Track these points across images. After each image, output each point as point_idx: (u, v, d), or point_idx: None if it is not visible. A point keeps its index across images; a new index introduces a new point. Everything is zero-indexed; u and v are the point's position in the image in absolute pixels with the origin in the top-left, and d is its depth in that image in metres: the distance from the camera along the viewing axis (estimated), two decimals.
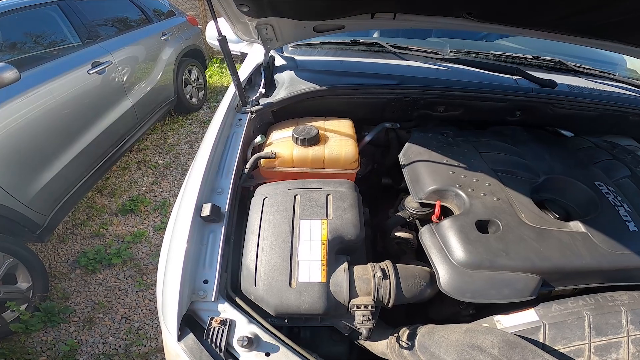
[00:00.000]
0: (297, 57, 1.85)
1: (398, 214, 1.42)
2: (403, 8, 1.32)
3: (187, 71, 4.55)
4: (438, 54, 1.81)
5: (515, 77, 1.75)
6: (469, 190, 1.19)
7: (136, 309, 2.41)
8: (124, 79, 3.36)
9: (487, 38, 2.63)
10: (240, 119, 1.50)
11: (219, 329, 0.88)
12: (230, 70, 1.40)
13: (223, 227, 1.09)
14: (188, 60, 4.58)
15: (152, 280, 2.57)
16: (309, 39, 1.81)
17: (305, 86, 1.57)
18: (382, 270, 1.02)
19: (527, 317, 0.92)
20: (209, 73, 5.96)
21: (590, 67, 2.03)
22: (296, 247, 1.01)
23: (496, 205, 1.12)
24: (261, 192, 1.23)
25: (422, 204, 1.31)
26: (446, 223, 1.07)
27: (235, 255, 1.10)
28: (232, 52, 2.52)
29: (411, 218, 1.40)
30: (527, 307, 0.94)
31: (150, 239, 2.89)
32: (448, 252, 1.00)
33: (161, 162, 3.85)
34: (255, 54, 2.04)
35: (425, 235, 1.09)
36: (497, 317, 0.95)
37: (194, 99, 4.81)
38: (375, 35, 2.24)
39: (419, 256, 1.31)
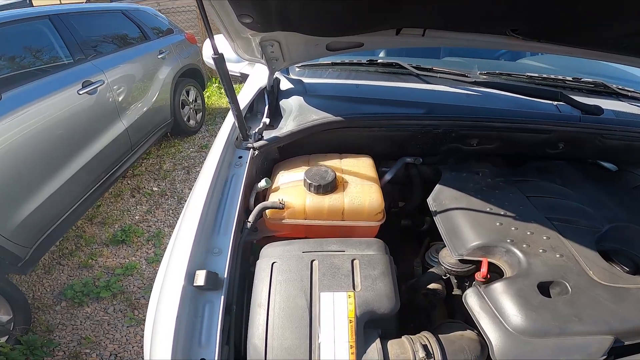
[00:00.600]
0: (306, 80, 1.62)
1: (432, 270, 1.22)
2: (437, 24, 1.12)
3: (184, 92, 4.36)
4: (467, 77, 1.59)
5: (556, 103, 1.53)
6: (524, 245, 1.02)
7: (126, 345, 2.22)
8: (117, 99, 3.16)
9: (505, 57, 2.43)
10: (240, 157, 1.27)
11: None
12: (228, 96, 1.16)
13: (222, 297, 0.89)
14: (186, 80, 4.39)
15: (144, 316, 2.38)
16: (320, 58, 1.58)
17: (317, 116, 1.34)
18: (424, 347, 0.87)
19: None
20: (207, 94, 5.76)
21: (633, 90, 1.81)
22: (316, 326, 0.85)
23: (560, 264, 0.98)
24: (268, 253, 1.01)
25: (462, 260, 1.11)
26: (499, 286, 0.92)
27: (237, 327, 0.95)
28: (230, 73, 2.28)
29: (447, 275, 1.20)
30: None
31: (142, 272, 2.70)
32: (503, 319, 0.87)
33: (156, 189, 3.62)
34: (257, 76, 1.81)
35: (472, 299, 0.94)
36: None
37: (191, 122, 4.60)
38: (382, 54, 2.03)
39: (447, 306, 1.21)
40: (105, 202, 3.40)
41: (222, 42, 2.39)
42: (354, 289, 0.91)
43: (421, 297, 1.24)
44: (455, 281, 1.21)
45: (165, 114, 3.95)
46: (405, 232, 1.60)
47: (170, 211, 3.32)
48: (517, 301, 0.88)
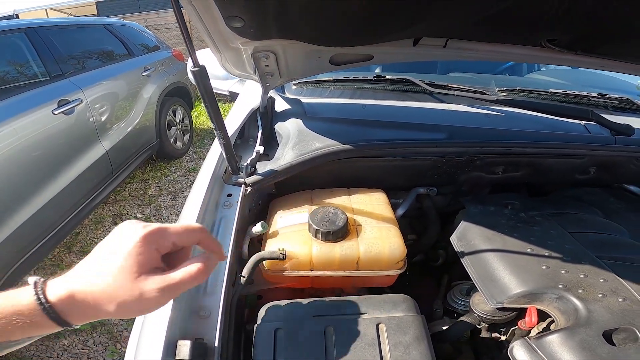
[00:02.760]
0: (305, 100, 1.44)
1: (463, 319, 1.06)
2: (463, 33, 0.97)
3: (171, 111, 4.14)
4: (486, 94, 1.43)
5: (584, 123, 1.38)
6: (580, 291, 0.90)
7: None
8: (97, 120, 2.94)
9: (512, 71, 2.31)
10: (229, 195, 1.07)
11: None
12: (213, 120, 0.94)
13: None
14: (172, 99, 4.18)
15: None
16: (321, 73, 1.40)
17: (320, 143, 1.15)
18: None
19: None
20: (195, 113, 5.56)
21: None
22: None
23: (625, 308, 0.87)
24: (270, 317, 0.83)
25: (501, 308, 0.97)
26: (556, 339, 0.80)
27: None
28: (217, 92, 2.07)
29: (481, 325, 1.05)
30: None
31: None
32: None
33: (140, 215, 3.40)
34: (248, 95, 1.63)
35: (520, 352, 0.82)
36: None
37: (178, 143, 4.37)
38: (377, 70, 1.87)
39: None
40: (85, 229, 3.17)
41: (206, 55, 2.19)
42: None
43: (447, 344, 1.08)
44: (486, 325, 1.04)
45: (150, 135, 3.73)
46: (418, 266, 1.43)
47: None
48: (582, 354, 0.77)
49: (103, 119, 3.02)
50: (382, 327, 0.81)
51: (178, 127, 4.34)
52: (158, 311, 0.76)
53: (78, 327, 0.48)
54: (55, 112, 2.53)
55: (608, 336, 0.82)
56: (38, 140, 2.37)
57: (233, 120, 1.44)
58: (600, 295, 0.89)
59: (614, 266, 0.96)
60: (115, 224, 3.19)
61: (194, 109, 5.01)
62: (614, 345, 0.80)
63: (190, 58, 0.80)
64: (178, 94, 4.35)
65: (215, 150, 1.24)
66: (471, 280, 1.05)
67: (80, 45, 3.21)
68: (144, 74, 3.71)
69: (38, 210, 2.31)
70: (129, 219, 2.93)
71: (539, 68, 2.36)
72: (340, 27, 0.87)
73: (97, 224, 3.22)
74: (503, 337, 1.02)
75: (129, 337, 2.22)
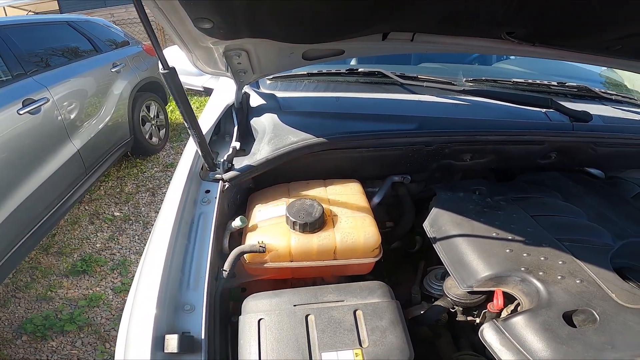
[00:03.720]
0: (279, 94, 1.45)
1: (438, 303, 1.12)
2: (429, 27, 1.02)
3: (144, 107, 4.04)
4: (454, 85, 1.48)
5: (545, 111, 1.45)
6: (540, 273, 0.96)
7: None
8: (66, 119, 2.85)
9: (478, 61, 2.38)
10: (208, 191, 1.08)
11: None
12: (186, 119, 0.95)
13: None
14: (145, 95, 4.07)
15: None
16: (295, 68, 1.41)
17: (295, 137, 1.18)
18: None
19: None
20: (170, 108, 5.40)
21: (616, 93, 1.78)
22: None
23: (583, 290, 0.93)
24: (252, 308, 0.86)
25: (471, 291, 1.03)
26: (521, 320, 0.86)
27: None
28: (192, 88, 2.06)
29: (455, 308, 1.11)
30: None
31: (109, 302, 2.47)
32: (531, 355, 0.81)
33: (118, 214, 3.32)
34: (223, 90, 1.63)
35: (489, 334, 0.87)
36: None
37: (154, 139, 4.27)
38: (353, 62, 1.90)
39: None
40: (61, 230, 3.10)
41: (177, 52, 2.17)
42: (360, 345, 0.80)
43: (425, 328, 1.15)
44: (460, 308, 1.11)
45: (123, 132, 3.64)
46: (396, 253, 1.48)
47: (136, 237, 3.04)
48: (544, 335, 0.82)
49: (72, 117, 2.93)
50: (359, 313, 0.85)
51: (153, 122, 4.24)
52: (143, 308, 0.78)
53: None
54: (21, 112, 2.44)
55: (568, 317, 0.88)
56: (4, 142, 2.30)
57: (208, 116, 1.44)
58: (559, 277, 0.95)
59: (572, 248, 1.02)
60: (92, 223, 3.15)
61: (168, 104, 4.90)
62: (574, 326, 0.86)
63: (159, 59, 0.81)
64: (151, 89, 4.25)
65: (191, 147, 1.25)
66: None
67: (43, 43, 3.09)
68: (113, 70, 3.61)
69: (10, 213, 2.25)
70: (106, 217, 2.87)
71: (507, 57, 2.44)
72: (309, 26, 0.89)
73: (73, 225, 3.15)
74: (477, 320, 1.08)
75: (117, 336, 2.22)
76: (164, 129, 4.52)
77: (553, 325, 0.85)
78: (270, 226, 1.03)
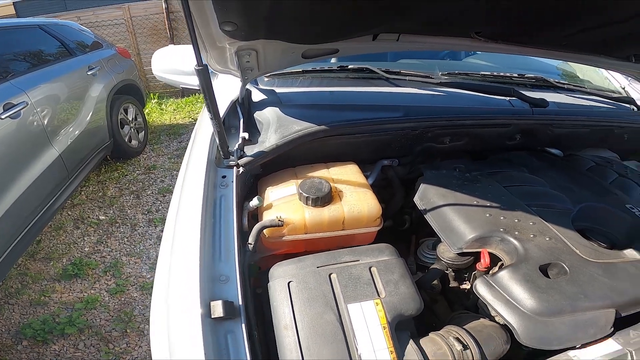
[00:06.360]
0: (278, 90, 1.58)
1: (434, 267, 1.26)
2: (411, 29, 1.18)
3: (122, 110, 4.02)
4: (432, 78, 1.66)
5: (508, 99, 1.66)
6: (516, 233, 1.08)
7: None
8: (45, 122, 2.83)
9: (450, 56, 2.60)
10: (224, 177, 1.19)
11: None
12: (211, 111, 1.06)
13: (242, 325, 0.83)
14: (123, 97, 4.05)
15: (120, 348, 2.23)
16: (293, 66, 1.55)
17: (299, 126, 1.31)
18: (458, 340, 0.89)
19: (609, 348, 0.89)
20: (147, 110, 5.38)
21: (568, 82, 2.03)
22: (352, 338, 0.84)
23: (552, 246, 1.04)
24: (280, 274, 0.97)
25: (461, 253, 1.16)
26: (506, 274, 0.97)
27: (264, 353, 0.91)
28: (188, 87, 2.16)
29: (449, 270, 1.25)
30: (602, 339, 0.91)
31: (106, 304, 2.50)
32: (518, 303, 0.91)
33: (103, 217, 3.31)
34: (222, 88, 1.73)
35: (482, 288, 0.98)
36: (572, 353, 0.90)
37: (133, 142, 4.25)
38: (333, 60, 2.06)
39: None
40: (46, 236, 3.07)
41: (171, 52, 2.23)
42: (378, 295, 0.91)
43: (423, 293, 1.27)
44: (453, 274, 1.26)
45: (103, 135, 3.61)
46: (387, 233, 1.64)
47: (125, 239, 3.05)
48: (526, 285, 0.93)
49: (52, 121, 2.91)
50: (374, 269, 0.97)
51: (131, 125, 4.22)
52: (185, 280, 0.87)
53: None
54: (2, 117, 2.41)
55: (544, 270, 0.99)
56: None
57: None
58: (531, 236, 1.07)
59: (540, 212, 1.17)
60: (78, 228, 3.13)
61: (145, 106, 4.86)
62: (550, 278, 0.97)
63: (195, 57, 0.92)
64: (128, 92, 4.22)
65: (200, 139, 1.35)
66: (435, 236, 1.23)
67: (16, 47, 3.04)
68: (89, 73, 3.57)
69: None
70: (91, 221, 2.89)
71: (474, 53, 2.67)
72: (320, 27, 1.03)
73: (58, 230, 3.12)
74: (467, 286, 1.21)
75: (117, 336, 2.27)
76: (143, 132, 4.50)
77: (532, 276, 0.95)
78: (285, 204, 1.15)
